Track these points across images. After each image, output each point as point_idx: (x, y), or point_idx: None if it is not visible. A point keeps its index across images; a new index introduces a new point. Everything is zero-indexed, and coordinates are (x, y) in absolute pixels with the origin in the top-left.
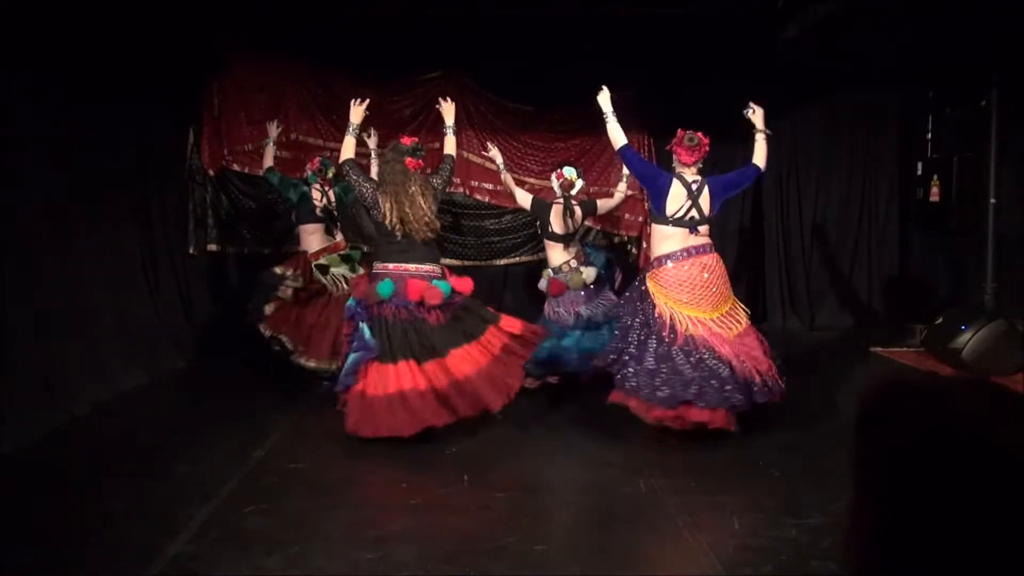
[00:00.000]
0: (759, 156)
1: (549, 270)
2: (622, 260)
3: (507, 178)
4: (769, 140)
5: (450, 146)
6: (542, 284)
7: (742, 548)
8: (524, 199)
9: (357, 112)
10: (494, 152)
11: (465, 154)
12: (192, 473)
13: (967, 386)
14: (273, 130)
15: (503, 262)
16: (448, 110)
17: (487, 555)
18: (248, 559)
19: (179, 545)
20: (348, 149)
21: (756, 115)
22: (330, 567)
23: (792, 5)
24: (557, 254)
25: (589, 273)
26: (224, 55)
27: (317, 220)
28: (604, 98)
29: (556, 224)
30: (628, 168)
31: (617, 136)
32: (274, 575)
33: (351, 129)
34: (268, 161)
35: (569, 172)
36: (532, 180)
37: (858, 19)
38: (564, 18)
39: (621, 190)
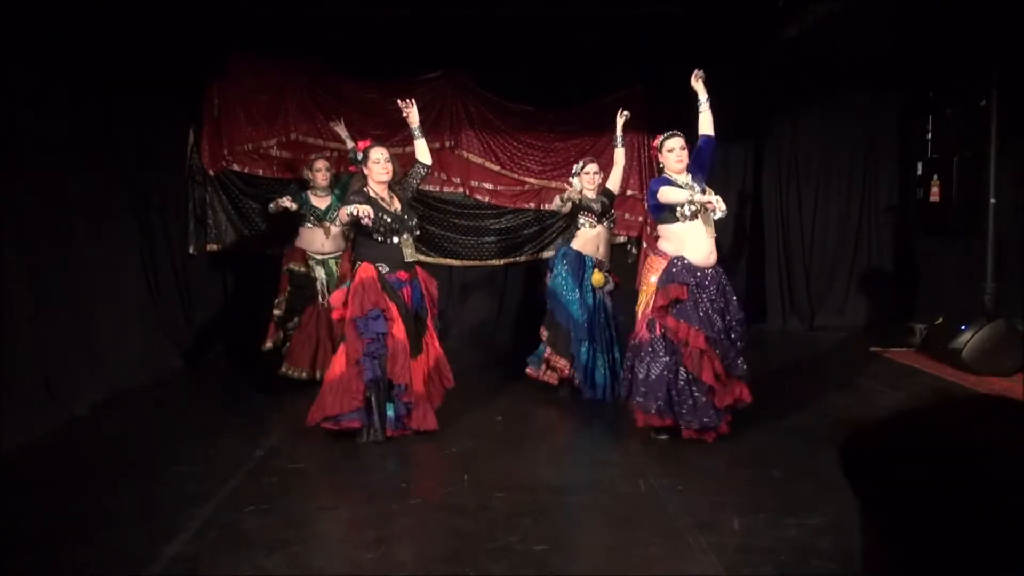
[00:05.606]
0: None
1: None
2: (622, 260)
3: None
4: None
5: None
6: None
7: (742, 548)
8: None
9: (414, 114)
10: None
11: (465, 154)
12: (192, 473)
13: None
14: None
15: (503, 262)
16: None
17: (487, 555)
18: (248, 559)
19: (179, 545)
20: (425, 151)
21: (699, 84)
22: (330, 567)
23: (792, 5)
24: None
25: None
26: (224, 55)
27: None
28: (700, 84)
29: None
30: (701, 157)
31: (708, 124)
32: (274, 575)
33: (417, 131)
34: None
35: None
36: (532, 180)
37: (858, 19)
38: (564, 18)
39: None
